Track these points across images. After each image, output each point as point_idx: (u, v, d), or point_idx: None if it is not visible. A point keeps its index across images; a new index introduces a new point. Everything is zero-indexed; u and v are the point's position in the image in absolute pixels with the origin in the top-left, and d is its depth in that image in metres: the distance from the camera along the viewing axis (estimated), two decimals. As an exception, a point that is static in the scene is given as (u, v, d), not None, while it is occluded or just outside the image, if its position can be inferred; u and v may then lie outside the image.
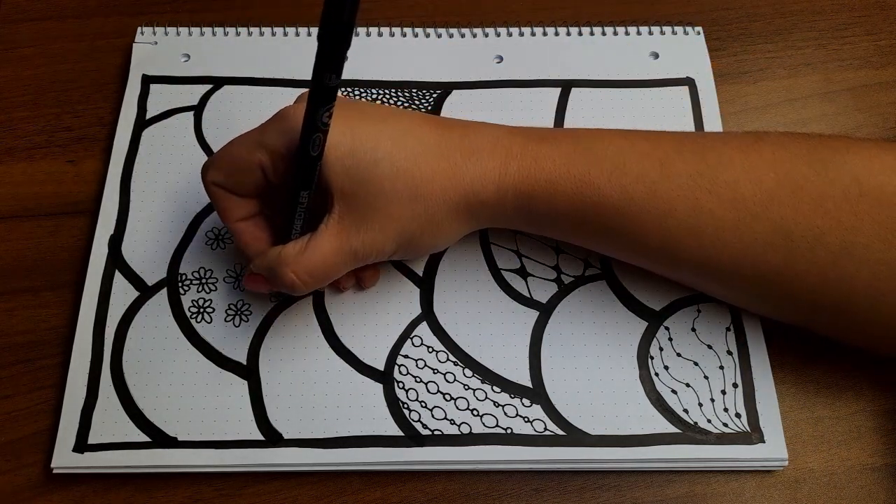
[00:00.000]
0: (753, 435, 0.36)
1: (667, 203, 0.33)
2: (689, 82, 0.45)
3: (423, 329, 0.39)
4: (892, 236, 0.31)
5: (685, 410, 0.37)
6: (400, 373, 0.38)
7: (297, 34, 0.47)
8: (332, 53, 0.27)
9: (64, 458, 0.36)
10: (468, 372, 0.38)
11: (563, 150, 0.34)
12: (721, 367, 0.38)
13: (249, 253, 0.36)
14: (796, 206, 0.32)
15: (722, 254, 0.33)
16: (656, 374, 0.38)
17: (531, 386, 0.37)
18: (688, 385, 0.37)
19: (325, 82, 0.28)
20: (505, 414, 0.37)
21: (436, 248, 0.37)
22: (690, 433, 0.36)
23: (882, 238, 0.31)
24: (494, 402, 0.37)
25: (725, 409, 0.37)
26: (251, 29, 0.47)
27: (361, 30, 0.47)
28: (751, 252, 0.33)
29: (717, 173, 0.33)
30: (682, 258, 0.34)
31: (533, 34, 0.47)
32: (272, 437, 0.36)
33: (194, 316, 0.39)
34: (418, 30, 0.47)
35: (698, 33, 0.47)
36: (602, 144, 0.34)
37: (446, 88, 0.45)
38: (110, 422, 0.36)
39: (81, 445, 0.36)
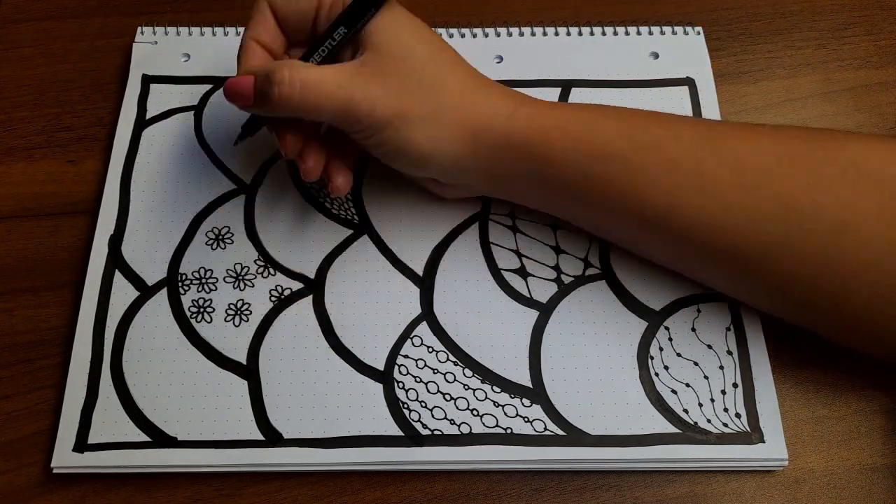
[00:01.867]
0: (753, 435, 0.36)
1: (671, 159, 0.34)
2: (689, 82, 0.45)
3: (423, 329, 0.39)
4: (890, 216, 0.31)
5: (685, 410, 0.37)
6: (400, 373, 0.38)
7: (297, 34, 0.47)
8: None
9: (64, 457, 0.36)
10: (468, 372, 0.38)
11: (574, 107, 0.36)
12: (721, 367, 0.38)
13: (244, 66, 0.36)
14: (795, 178, 0.32)
15: (725, 221, 0.33)
16: (656, 374, 0.38)
17: (531, 386, 0.37)
18: (688, 385, 0.37)
19: None
20: (505, 414, 0.37)
21: (422, 155, 0.35)
22: (690, 433, 0.36)
23: (881, 217, 0.31)
24: (494, 402, 0.37)
25: (725, 409, 0.37)
26: (251, 29, 0.47)
27: (361, 30, 0.47)
28: (752, 221, 0.33)
29: (720, 141, 0.34)
30: (686, 222, 0.34)
31: (533, 34, 0.47)
32: (272, 437, 0.36)
33: (194, 316, 0.39)
34: (418, 30, 0.47)
35: (698, 33, 0.47)
36: (610, 109, 0.36)
37: (446, 88, 0.45)
38: (110, 422, 0.36)
39: (81, 445, 0.36)
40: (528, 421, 0.37)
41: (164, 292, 0.40)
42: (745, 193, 0.33)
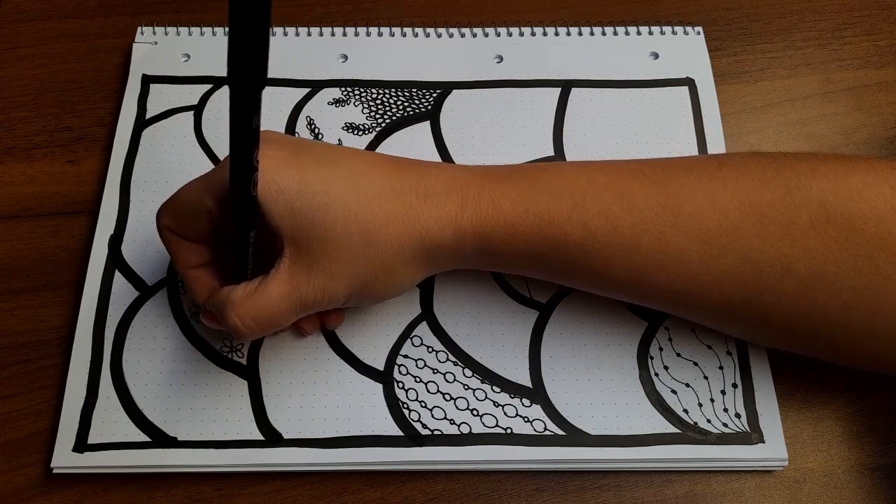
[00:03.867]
0: (753, 435, 0.36)
1: (631, 238, 0.32)
2: (689, 82, 0.45)
3: (423, 329, 0.39)
4: (862, 262, 0.30)
5: (685, 410, 0.37)
6: (400, 373, 0.38)
7: (297, 34, 0.47)
8: (253, 95, 0.26)
9: (64, 457, 0.36)
10: (468, 372, 0.38)
11: (521, 189, 0.33)
12: (721, 368, 0.38)
13: (201, 300, 0.35)
14: (763, 235, 0.31)
15: (691, 287, 0.33)
16: (656, 375, 0.38)
17: (531, 386, 0.37)
18: (687, 385, 0.37)
19: (254, 124, 0.27)
20: (505, 414, 0.37)
21: (393, 294, 0.35)
22: (690, 433, 0.36)
23: (852, 265, 0.30)
24: (494, 402, 0.37)
25: (725, 410, 0.37)
26: (251, 29, 0.47)
27: (361, 30, 0.47)
28: (719, 284, 0.32)
29: (679, 204, 0.32)
30: (650, 292, 0.34)
31: (533, 34, 0.47)
32: (272, 437, 0.36)
33: (194, 316, 0.39)
34: (418, 30, 0.47)
35: (698, 33, 0.47)
36: (560, 181, 0.33)
37: (446, 88, 0.45)
38: (110, 421, 0.36)
39: (81, 445, 0.36)
40: (528, 421, 0.37)
41: (164, 292, 0.39)
42: (711, 260, 0.32)
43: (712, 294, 0.33)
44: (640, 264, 0.33)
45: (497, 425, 0.36)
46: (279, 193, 0.31)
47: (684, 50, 0.46)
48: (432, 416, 0.37)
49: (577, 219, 0.32)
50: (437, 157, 0.43)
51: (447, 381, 0.38)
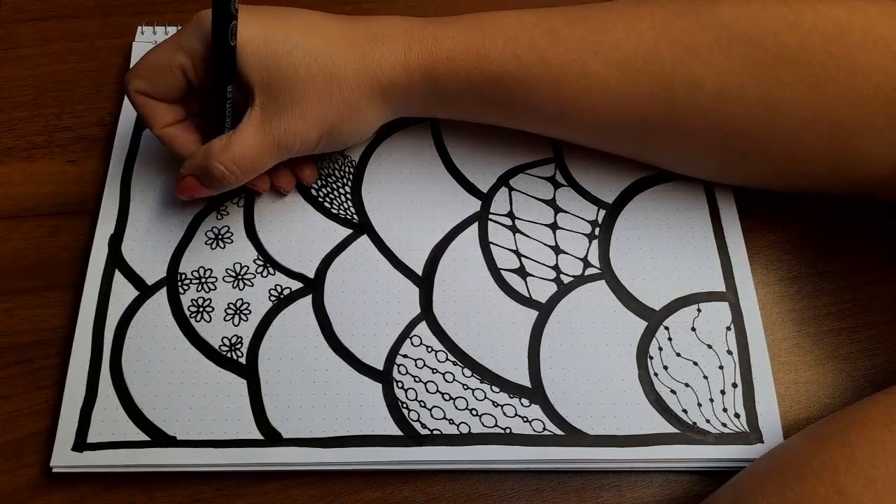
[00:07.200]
0: (752, 435, 0.36)
1: (558, 68, 0.36)
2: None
3: (423, 329, 0.39)
4: (761, 72, 0.34)
5: (684, 410, 0.37)
6: (399, 372, 0.38)
7: (297, 34, 0.47)
8: None
9: (63, 457, 0.36)
10: (467, 372, 0.38)
11: (460, 29, 0.37)
12: (721, 367, 0.38)
13: (185, 155, 0.38)
14: (673, 57, 0.35)
15: (613, 110, 0.36)
16: (655, 374, 0.38)
17: (530, 386, 0.37)
18: (687, 385, 0.37)
19: None
20: (504, 414, 0.37)
21: (358, 135, 0.39)
22: (689, 433, 0.36)
23: (753, 75, 0.34)
24: (493, 402, 0.37)
25: (725, 410, 0.37)
26: (251, 29, 0.47)
27: (361, 30, 0.47)
28: (638, 105, 0.36)
29: (601, 36, 0.36)
30: (578, 119, 0.37)
31: (533, 34, 0.47)
32: (271, 437, 0.36)
33: (193, 315, 0.39)
34: (418, 30, 0.47)
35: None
36: (494, 20, 0.37)
37: (446, 88, 0.45)
38: (109, 421, 0.36)
39: (80, 444, 0.36)
40: (527, 421, 0.37)
41: (163, 292, 0.40)
42: (628, 82, 0.35)
43: (632, 116, 0.36)
44: (567, 91, 0.36)
45: (496, 425, 0.36)
46: (246, 45, 0.35)
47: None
48: (431, 415, 0.37)
49: (510, 52, 0.36)
50: (436, 157, 0.43)
51: (446, 380, 0.38)
